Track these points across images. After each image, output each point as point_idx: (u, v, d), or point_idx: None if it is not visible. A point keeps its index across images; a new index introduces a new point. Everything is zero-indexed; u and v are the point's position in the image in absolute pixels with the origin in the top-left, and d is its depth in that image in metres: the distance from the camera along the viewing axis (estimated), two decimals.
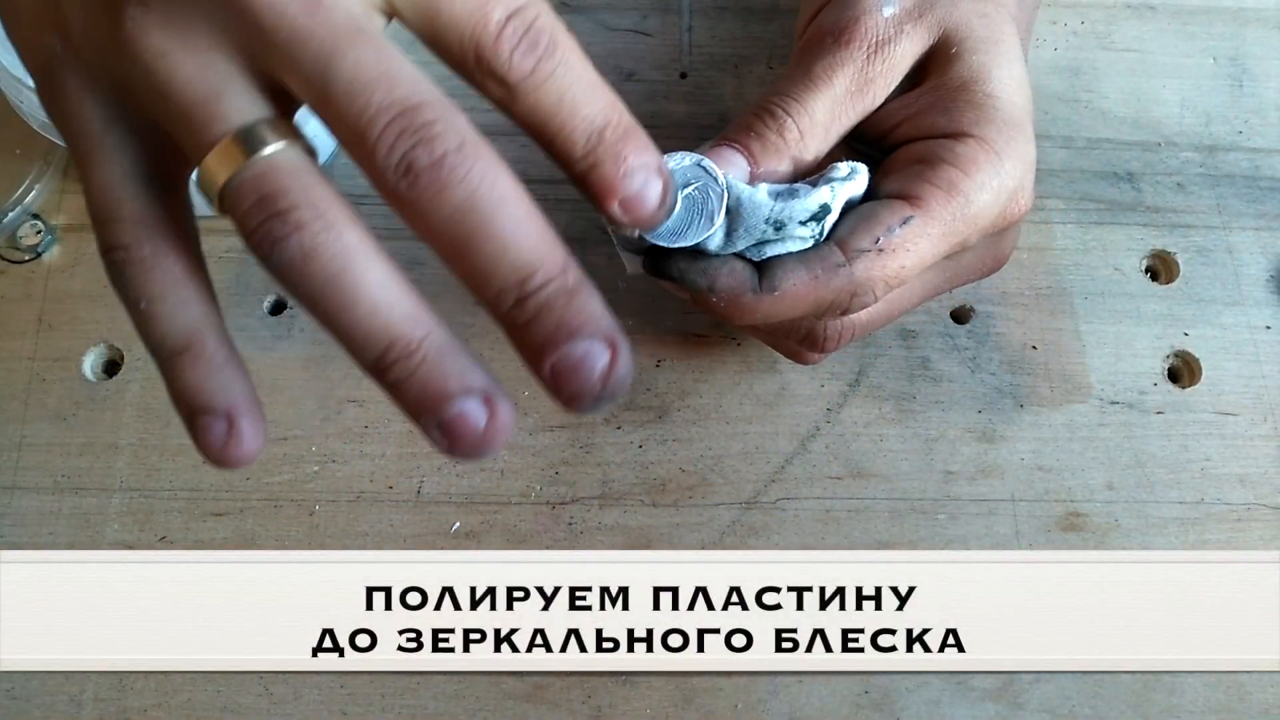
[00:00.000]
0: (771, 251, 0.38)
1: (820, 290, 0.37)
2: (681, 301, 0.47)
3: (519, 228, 0.26)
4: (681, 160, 0.37)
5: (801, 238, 0.38)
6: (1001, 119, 0.39)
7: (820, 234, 0.38)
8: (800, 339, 0.42)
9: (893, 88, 0.40)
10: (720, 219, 0.37)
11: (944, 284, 0.42)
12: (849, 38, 0.39)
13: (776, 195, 0.37)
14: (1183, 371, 0.49)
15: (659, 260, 0.38)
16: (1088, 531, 0.45)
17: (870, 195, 0.39)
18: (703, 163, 0.37)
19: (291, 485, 0.46)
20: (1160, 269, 0.51)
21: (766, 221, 0.37)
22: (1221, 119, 0.54)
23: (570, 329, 0.27)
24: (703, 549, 0.45)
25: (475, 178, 0.26)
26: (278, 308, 0.49)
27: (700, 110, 0.53)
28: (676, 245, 0.37)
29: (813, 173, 0.40)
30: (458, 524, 0.45)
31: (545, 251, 0.27)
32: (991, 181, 0.38)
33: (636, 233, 0.36)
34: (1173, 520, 0.45)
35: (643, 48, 0.55)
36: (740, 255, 0.38)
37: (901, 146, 0.40)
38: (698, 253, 0.37)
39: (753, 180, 0.39)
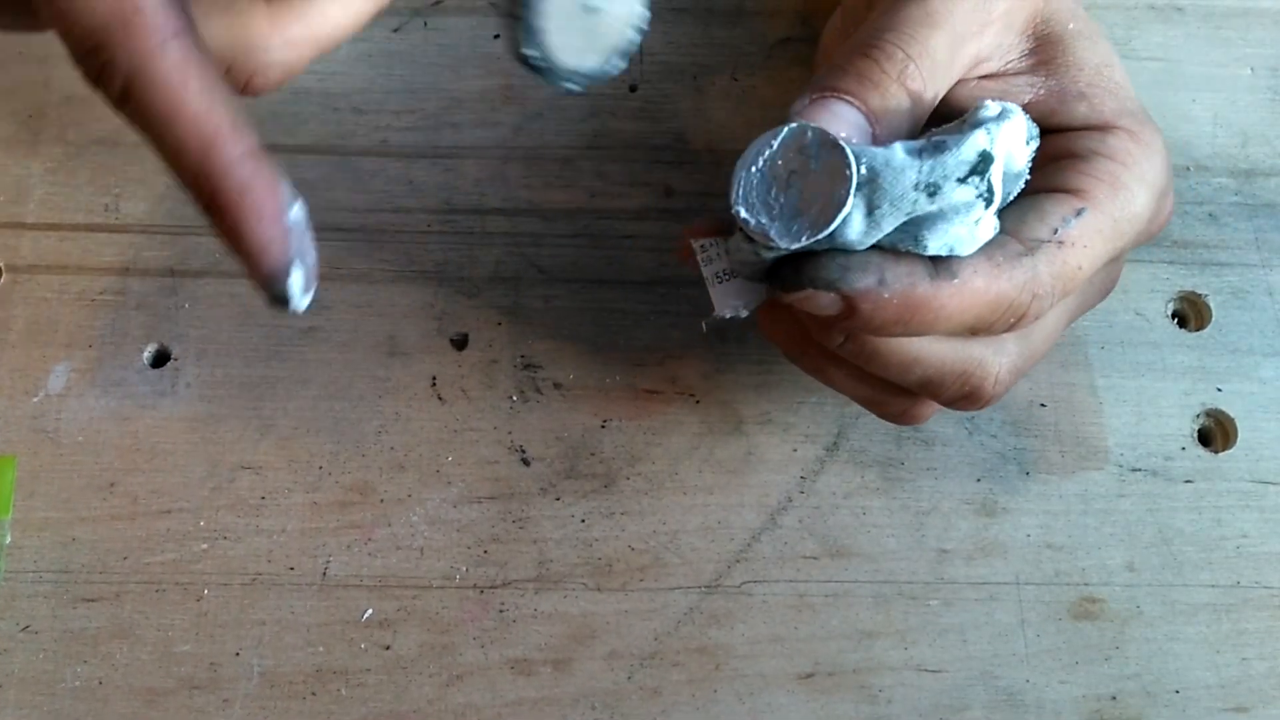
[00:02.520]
0: (932, 235, 0.34)
1: (1002, 283, 0.35)
2: (631, 351, 0.47)
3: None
4: (774, 140, 0.34)
5: (965, 203, 0.34)
6: (1139, 111, 0.40)
7: (989, 194, 0.34)
8: (963, 395, 0.39)
9: (1007, 43, 0.40)
10: (852, 198, 0.33)
11: (1077, 311, 0.42)
12: None
13: (920, 152, 0.33)
14: (1215, 433, 0.47)
15: (793, 271, 0.34)
16: (1105, 620, 0.44)
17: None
18: (808, 130, 0.33)
19: (176, 566, 0.44)
20: (1189, 314, 0.49)
21: (916, 188, 0.33)
22: (1260, 139, 0.53)
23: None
24: (656, 640, 0.43)
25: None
26: (160, 359, 0.47)
27: (652, 129, 0.52)
28: (805, 245, 0.33)
29: (935, 125, 0.37)
30: (370, 611, 0.43)
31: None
32: (1148, 176, 0.38)
33: (752, 245, 0.34)
34: (1204, 607, 0.44)
35: None
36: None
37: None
38: (834, 253, 0.34)
39: (875, 143, 0.35)
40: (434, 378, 0.46)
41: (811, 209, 0.33)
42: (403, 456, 0.45)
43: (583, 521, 0.45)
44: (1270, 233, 0.50)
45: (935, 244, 0.34)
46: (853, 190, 0.33)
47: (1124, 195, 0.38)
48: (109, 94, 0.32)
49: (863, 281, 0.34)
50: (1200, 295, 0.49)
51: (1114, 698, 0.42)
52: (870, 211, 0.33)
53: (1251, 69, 0.54)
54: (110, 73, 0.32)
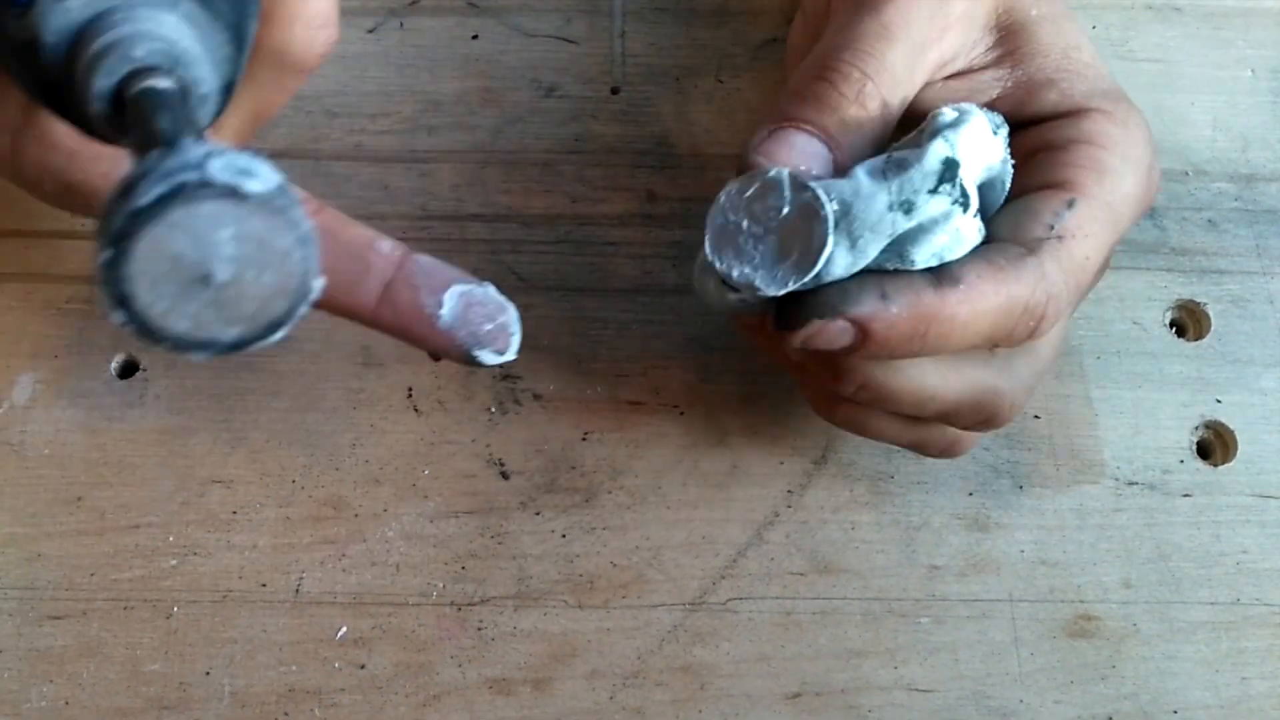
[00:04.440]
0: (917, 249, 0.34)
1: (1011, 286, 0.35)
2: (613, 361, 0.47)
3: None
4: (741, 189, 0.34)
5: (943, 213, 0.34)
6: (1112, 90, 0.40)
7: (964, 199, 0.34)
8: (980, 421, 0.40)
9: (970, 41, 0.40)
10: (831, 235, 0.33)
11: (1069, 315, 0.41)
12: None
13: (884, 173, 0.34)
14: (1214, 446, 0.47)
15: (795, 309, 0.35)
16: (1101, 638, 0.44)
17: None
18: (771, 174, 0.34)
19: (144, 582, 0.44)
20: (1188, 323, 0.49)
21: (891, 209, 0.34)
22: (1261, 143, 0.52)
23: None
24: (639, 659, 0.43)
25: None
26: (128, 369, 0.47)
27: (635, 131, 0.52)
28: (794, 289, 0.34)
29: (901, 130, 0.38)
30: (344, 629, 0.43)
31: None
32: (1131, 154, 0.38)
33: (738, 295, 0.35)
34: (1202, 625, 0.44)
35: (567, 57, 0.53)
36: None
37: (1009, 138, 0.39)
38: (831, 284, 0.35)
39: (837, 170, 0.36)
40: (410, 389, 0.46)
41: (793, 252, 0.34)
42: (378, 470, 0.45)
43: (563, 537, 0.45)
44: (1271, 239, 0.50)
45: (922, 257, 0.35)
46: (830, 228, 0.33)
47: (1111, 179, 0.38)
48: None
49: (867, 301, 0.34)
50: (1199, 304, 0.49)
51: (1110, 718, 0.42)
52: (853, 243, 0.34)
53: (1252, 70, 0.54)
54: None
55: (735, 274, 0.34)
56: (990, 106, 0.38)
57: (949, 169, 0.34)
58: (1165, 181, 0.51)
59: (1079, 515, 0.45)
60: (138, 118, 0.26)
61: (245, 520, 0.45)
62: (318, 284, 0.26)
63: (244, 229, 0.24)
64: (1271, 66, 0.54)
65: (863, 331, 0.34)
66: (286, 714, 0.42)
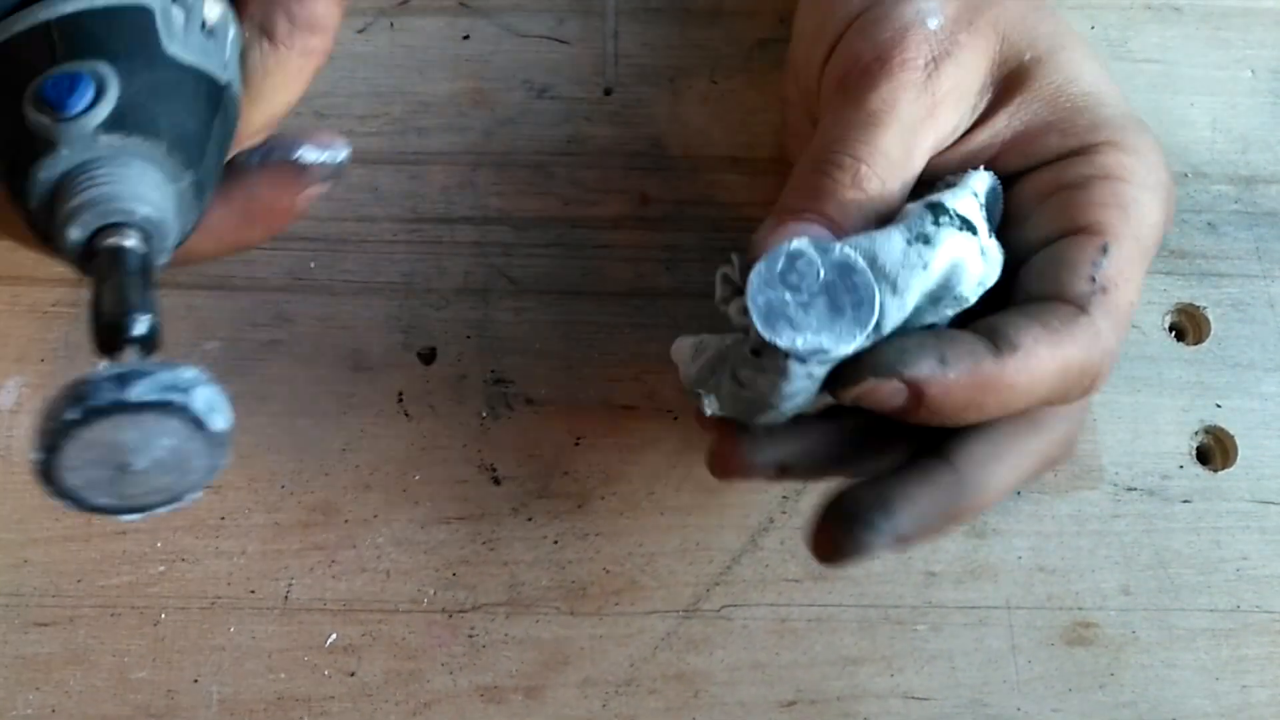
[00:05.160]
0: (963, 286, 0.36)
1: (1066, 348, 0.35)
2: (606, 366, 0.47)
3: None
4: (770, 266, 0.35)
5: (961, 240, 0.35)
6: (1117, 116, 0.39)
7: (967, 224, 0.36)
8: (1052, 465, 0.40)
9: (969, 108, 0.40)
10: (874, 280, 0.34)
11: None
12: (901, 59, 0.39)
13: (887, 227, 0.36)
14: (1214, 451, 0.47)
15: (851, 368, 0.35)
16: (1099, 646, 0.44)
17: (1016, 244, 0.38)
18: (792, 247, 0.35)
19: (132, 589, 0.44)
20: (1187, 327, 0.49)
21: (910, 243, 0.35)
22: (1261, 144, 0.52)
23: None
24: (632, 666, 0.43)
25: None
26: None
27: (628, 133, 0.51)
28: (861, 343, 0.34)
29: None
30: (334, 636, 0.43)
31: None
32: (1149, 180, 0.38)
33: (804, 367, 0.35)
34: (1202, 632, 0.44)
35: (559, 58, 0.53)
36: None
37: (1016, 181, 0.40)
38: (889, 341, 0.35)
39: None
40: (400, 393, 0.46)
41: (845, 309, 0.34)
42: (368, 475, 0.45)
43: (555, 543, 0.45)
44: (1272, 242, 0.50)
45: (969, 288, 0.36)
46: (871, 275, 0.34)
47: (1135, 211, 0.38)
48: None
49: (925, 363, 0.34)
50: (1199, 307, 0.49)
51: None
52: (894, 286, 0.35)
53: (1252, 71, 0.54)
54: None
55: (801, 344, 0.34)
56: (992, 163, 0.40)
57: (935, 208, 0.36)
58: None
59: (1077, 521, 0.45)
60: (101, 275, 0.29)
61: (234, 526, 0.45)
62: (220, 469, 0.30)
63: (160, 437, 0.29)
64: (1272, 67, 0.54)
65: (917, 394, 0.34)
66: None
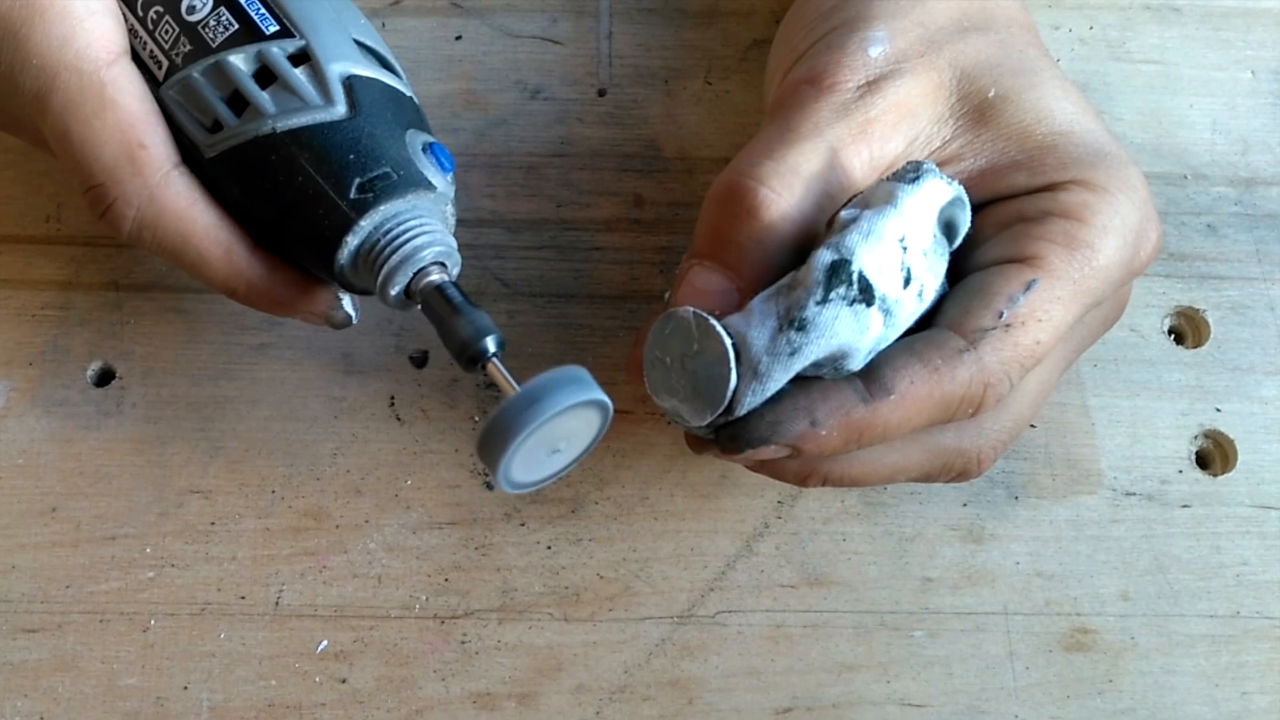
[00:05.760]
0: (851, 363, 0.36)
1: (945, 386, 0.36)
2: (600, 369, 0.46)
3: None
4: (661, 327, 0.37)
5: (848, 317, 0.36)
6: (1091, 153, 0.39)
7: (863, 294, 0.36)
8: (953, 478, 0.41)
9: (920, 133, 0.40)
10: (733, 370, 0.36)
11: (1073, 354, 0.42)
12: (831, 81, 0.40)
13: (774, 298, 0.36)
14: (1214, 455, 0.47)
15: (729, 439, 0.37)
16: (1097, 652, 0.44)
17: (969, 267, 0.39)
18: (680, 315, 0.37)
19: (121, 595, 0.44)
20: (1186, 330, 0.49)
21: (782, 329, 0.35)
22: (1261, 145, 0.52)
23: None
24: (626, 672, 0.43)
25: None
26: (104, 377, 0.47)
27: (622, 134, 0.52)
28: (712, 423, 0.37)
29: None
30: (325, 643, 0.43)
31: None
32: (1113, 223, 0.38)
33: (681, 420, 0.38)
34: (1202, 638, 0.44)
35: (552, 59, 0.53)
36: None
37: (981, 210, 0.40)
38: (760, 412, 0.37)
39: (743, 297, 0.38)
40: (392, 397, 0.46)
41: (705, 388, 0.36)
42: (359, 480, 0.45)
43: (549, 548, 0.45)
44: (1272, 244, 0.50)
45: (856, 364, 0.36)
46: (733, 363, 0.35)
47: (1082, 253, 0.38)
48: (119, 226, 0.39)
49: (795, 429, 0.36)
50: (1198, 310, 0.49)
51: None
52: (756, 374, 0.36)
53: (1252, 72, 0.54)
54: (122, 206, 0.39)
55: (667, 406, 0.38)
56: None
57: (836, 272, 0.35)
58: (1163, 185, 0.51)
59: (1075, 526, 0.45)
60: (440, 313, 0.38)
61: (224, 531, 0.44)
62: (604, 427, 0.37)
63: (572, 423, 0.36)
64: (1272, 68, 0.54)
65: (795, 450, 0.37)
66: None
